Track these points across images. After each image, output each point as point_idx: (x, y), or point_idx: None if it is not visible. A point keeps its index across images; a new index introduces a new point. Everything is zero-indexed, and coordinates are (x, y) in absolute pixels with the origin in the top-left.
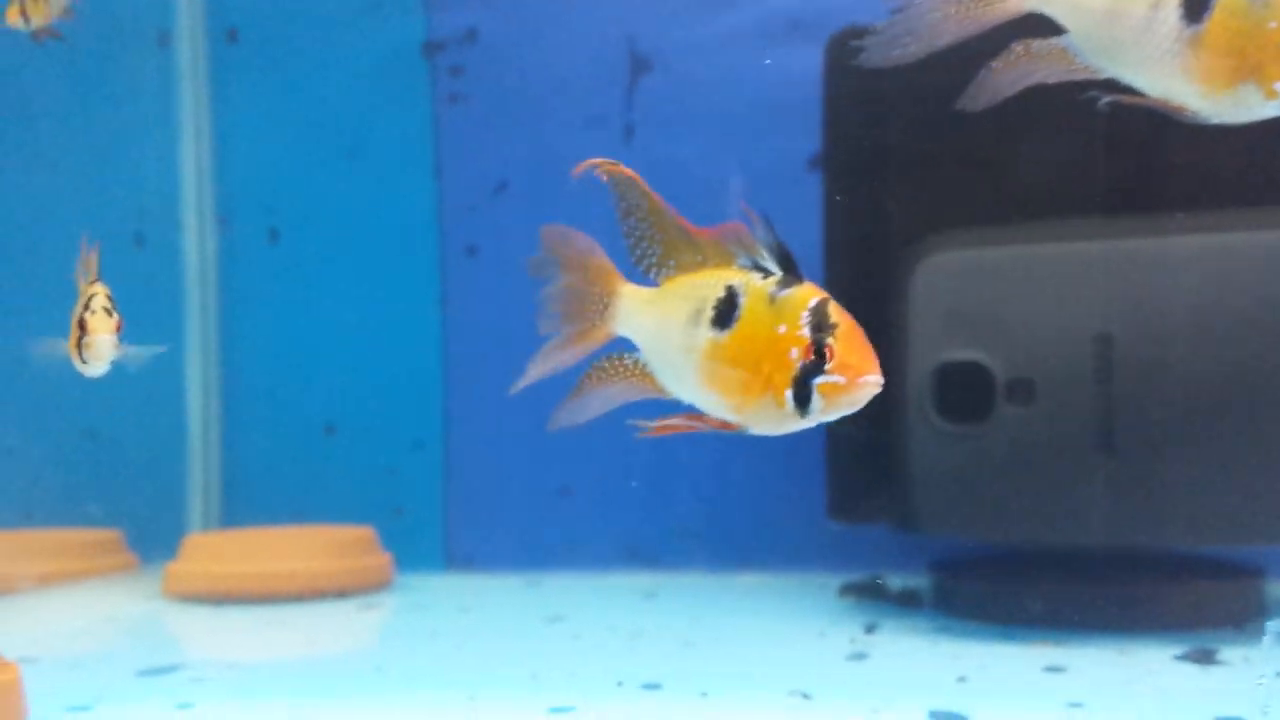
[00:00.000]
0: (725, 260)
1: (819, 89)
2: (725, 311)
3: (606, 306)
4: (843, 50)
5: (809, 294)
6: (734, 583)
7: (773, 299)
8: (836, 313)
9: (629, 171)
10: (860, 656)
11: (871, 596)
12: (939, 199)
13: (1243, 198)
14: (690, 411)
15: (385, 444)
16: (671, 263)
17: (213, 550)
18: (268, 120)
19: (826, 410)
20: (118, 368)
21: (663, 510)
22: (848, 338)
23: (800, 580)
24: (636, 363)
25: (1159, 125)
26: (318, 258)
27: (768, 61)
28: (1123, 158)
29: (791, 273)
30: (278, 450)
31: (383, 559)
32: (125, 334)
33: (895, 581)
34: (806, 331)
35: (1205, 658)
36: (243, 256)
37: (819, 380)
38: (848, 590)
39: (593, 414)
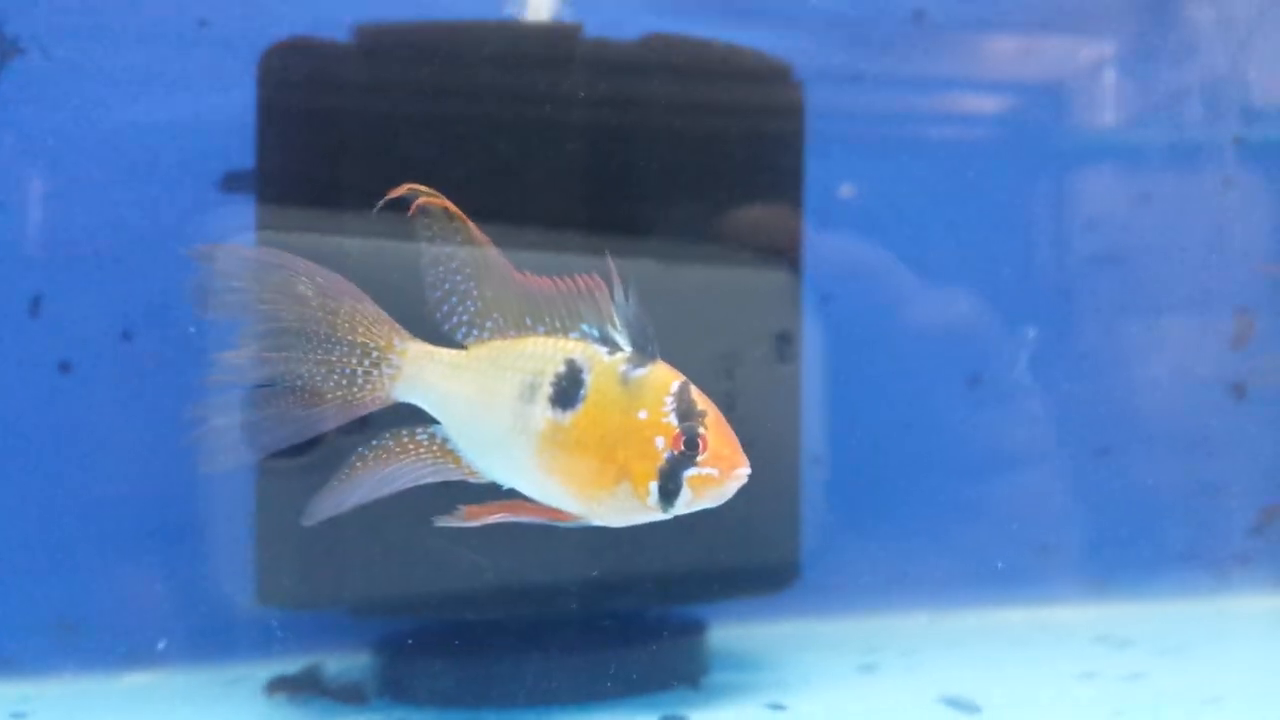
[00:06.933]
0: (564, 322)
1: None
2: (569, 389)
3: (380, 364)
4: (282, 65)
5: (668, 376)
6: (120, 686)
7: (625, 379)
8: (701, 399)
9: (450, 205)
10: None
11: (307, 691)
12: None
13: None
14: (514, 499)
15: None
16: (489, 324)
17: None
18: None
19: (693, 503)
20: None
21: (27, 604)
22: (718, 427)
23: (212, 677)
24: (433, 438)
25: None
26: None
27: (185, 65)
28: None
29: (645, 350)
30: None
31: None
32: None
33: (334, 669)
34: (673, 419)
35: None
36: None
37: (690, 472)
38: (277, 686)
39: (362, 499)
